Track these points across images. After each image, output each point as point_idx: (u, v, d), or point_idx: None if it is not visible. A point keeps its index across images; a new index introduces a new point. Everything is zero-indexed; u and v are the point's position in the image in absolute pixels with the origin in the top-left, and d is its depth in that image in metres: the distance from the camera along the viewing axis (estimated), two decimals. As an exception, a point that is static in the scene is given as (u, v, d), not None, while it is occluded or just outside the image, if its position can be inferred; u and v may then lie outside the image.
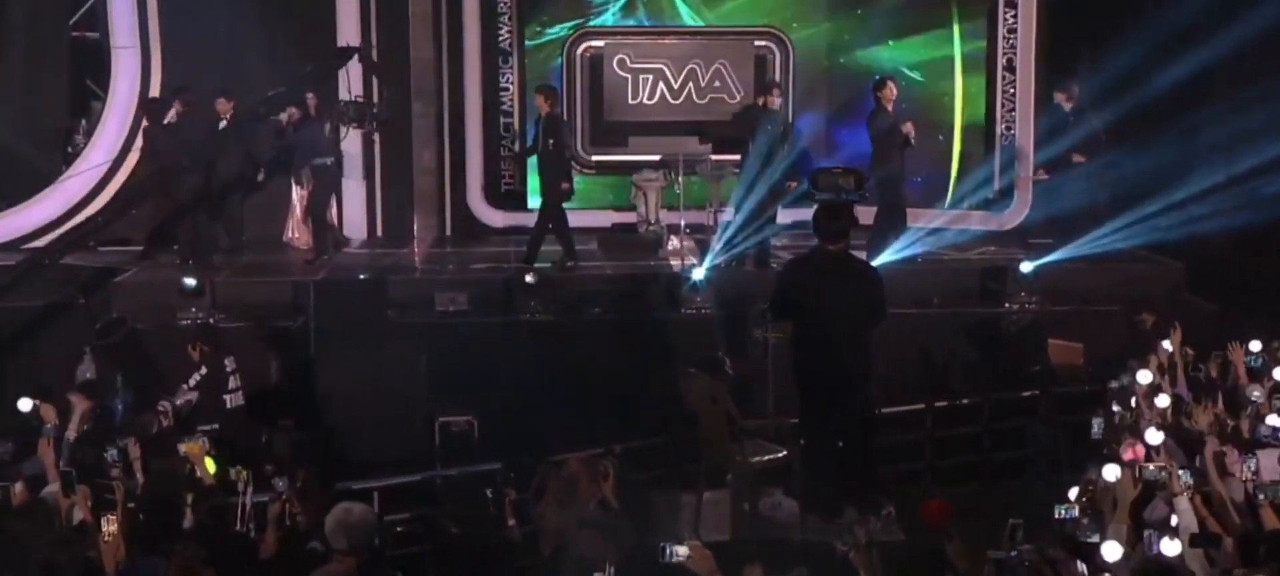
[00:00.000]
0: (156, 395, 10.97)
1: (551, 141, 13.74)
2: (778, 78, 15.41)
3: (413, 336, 12.47)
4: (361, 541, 6.47)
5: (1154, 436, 7.37)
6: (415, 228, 15.37)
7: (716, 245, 13.66)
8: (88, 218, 14.07)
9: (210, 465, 8.05)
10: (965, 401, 11.53)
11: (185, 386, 11.09)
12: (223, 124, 14.07)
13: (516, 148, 15.89)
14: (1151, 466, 6.87)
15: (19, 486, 7.46)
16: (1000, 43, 15.29)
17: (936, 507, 6.40)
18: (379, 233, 15.79)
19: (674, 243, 14.65)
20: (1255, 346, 9.75)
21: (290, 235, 15.03)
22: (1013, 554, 6.11)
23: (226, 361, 11.53)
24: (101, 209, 14.20)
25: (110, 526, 6.81)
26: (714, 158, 15.03)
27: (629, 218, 15.49)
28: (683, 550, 6.01)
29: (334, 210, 15.24)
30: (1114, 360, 11.62)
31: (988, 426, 11.52)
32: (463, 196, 15.94)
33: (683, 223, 14.64)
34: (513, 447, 10.75)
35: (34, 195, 14.53)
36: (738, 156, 14.21)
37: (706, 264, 13.27)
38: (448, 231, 15.88)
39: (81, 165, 14.66)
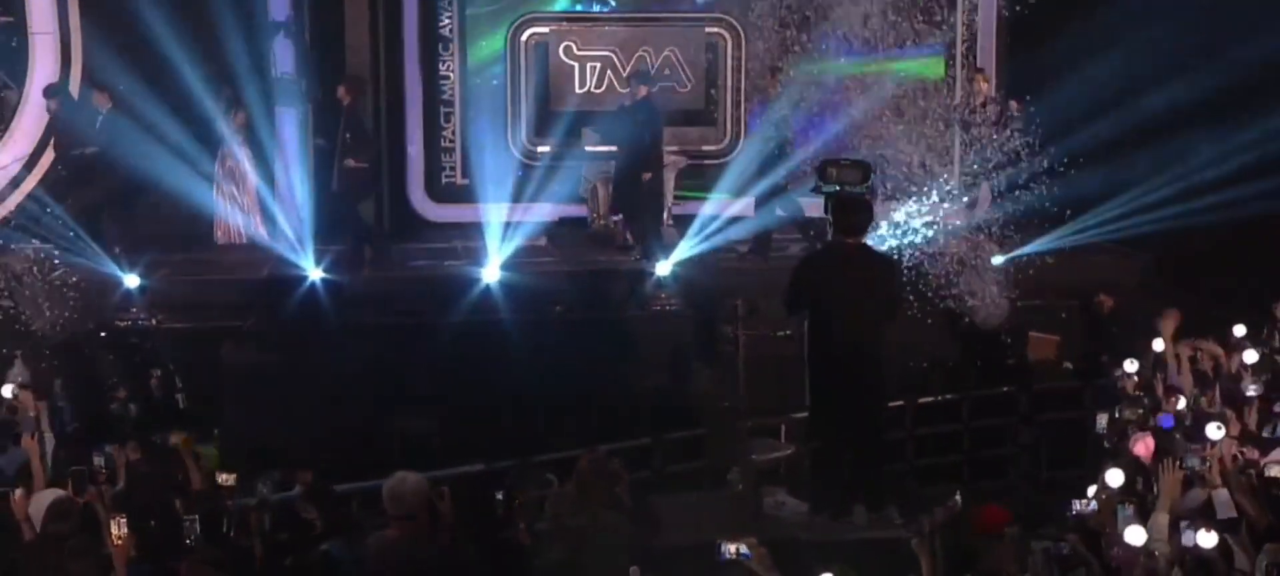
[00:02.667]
0: (96, 399, 11.04)
1: (349, 135, 14.18)
2: (650, 67, 15.60)
3: (368, 336, 12.64)
4: (417, 507, 6.85)
5: (1214, 432, 7.78)
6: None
7: (679, 240, 13.96)
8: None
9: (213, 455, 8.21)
10: (947, 397, 11.94)
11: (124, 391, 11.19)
12: (100, 118, 14.12)
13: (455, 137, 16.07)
14: (1193, 458, 7.30)
15: (19, 492, 7.56)
16: (960, 38, 15.75)
17: (993, 512, 6.79)
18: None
19: (628, 237, 14.91)
20: (1240, 330, 10.31)
21: (219, 236, 15.01)
22: (1061, 546, 6.49)
23: (169, 365, 11.60)
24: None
25: (120, 528, 6.98)
26: (671, 150, 15.33)
27: (578, 211, 15.69)
28: (742, 548, 6.26)
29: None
30: (1087, 350, 12.24)
31: (968, 424, 11.97)
32: (401, 189, 16.00)
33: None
34: (477, 451, 11.01)
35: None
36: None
37: (671, 259, 13.54)
38: (385, 226, 15.94)
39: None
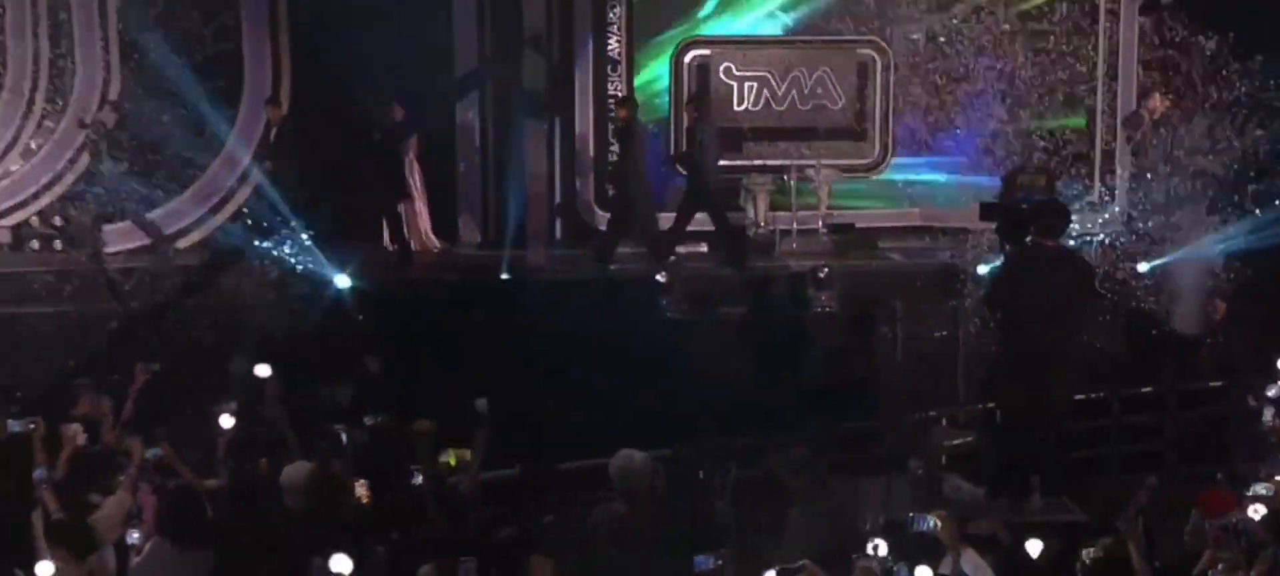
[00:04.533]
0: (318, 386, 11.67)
1: None
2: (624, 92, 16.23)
3: (547, 336, 13.15)
4: (637, 485, 7.37)
5: None
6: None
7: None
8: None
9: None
10: (1099, 394, 12.12)
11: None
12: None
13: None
14: None
15: (263, 460, 8.20)
16: (1102, 48, 15.94)
17: (1217, 496, 7.13)
18: (490, 235, 16.45)
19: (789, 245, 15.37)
20: None
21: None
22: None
23: (374, 360, 12.21)
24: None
25: (365, 490, 7.58)
26: (825, 163, 15.77)
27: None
28: (933, 521, 6.72)
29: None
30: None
31: (1117, 420, 12.16)
32: (572, 200, 16.60)
33: (795, 225, 15.36)
34: (653, 441, 11.42)
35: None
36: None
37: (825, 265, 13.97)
38: (557, 234, 16.56)
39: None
